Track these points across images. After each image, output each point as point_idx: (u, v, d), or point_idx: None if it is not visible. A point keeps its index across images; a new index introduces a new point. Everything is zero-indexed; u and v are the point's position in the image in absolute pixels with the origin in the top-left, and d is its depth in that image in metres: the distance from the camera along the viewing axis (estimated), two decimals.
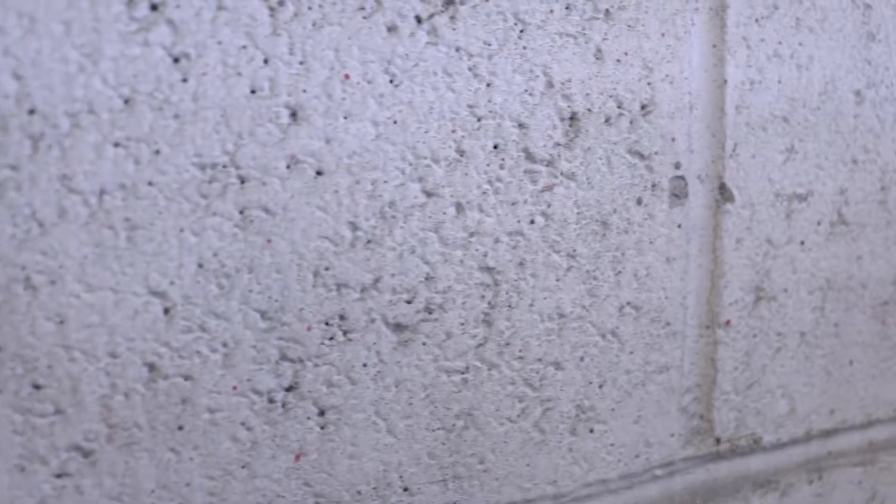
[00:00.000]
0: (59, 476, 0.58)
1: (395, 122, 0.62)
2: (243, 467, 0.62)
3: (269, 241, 0.60)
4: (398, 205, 0.63)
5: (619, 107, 0.68)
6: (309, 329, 0.62)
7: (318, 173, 0.60)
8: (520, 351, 0.68)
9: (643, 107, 0.69)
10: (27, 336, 0.56)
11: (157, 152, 0.57)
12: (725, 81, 0.72)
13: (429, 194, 0.63)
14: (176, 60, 0.57)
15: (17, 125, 0.54)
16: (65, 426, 0.58)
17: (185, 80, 0.57)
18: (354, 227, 0.62)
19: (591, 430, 0.72)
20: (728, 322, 0.75)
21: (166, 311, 0.59)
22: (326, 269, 0.62)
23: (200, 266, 0.59)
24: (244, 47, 0.58)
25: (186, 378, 0.60)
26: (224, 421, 0.61)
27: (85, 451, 0.58)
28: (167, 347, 0.59)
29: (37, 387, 0.57)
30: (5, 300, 0.55)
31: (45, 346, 0.57)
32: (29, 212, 0.55)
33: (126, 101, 0.56)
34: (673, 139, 0.70)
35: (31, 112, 0.54)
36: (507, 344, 0.67)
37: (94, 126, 0.56)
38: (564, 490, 0.72)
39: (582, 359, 0.70)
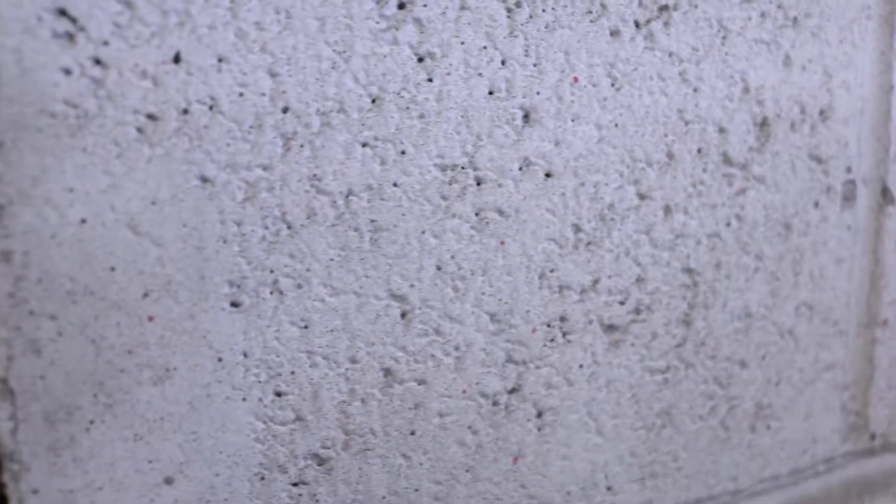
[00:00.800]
0: (295, 484, 0.49)
1: (615, 126, 0.54)
2: (467, 471, 0.54)
3: (502, 242, 0.52)
4: (616, 207, 0.55)
5: (802, 112, 0.61)
6: (534, 331, 0.54)
7: (548, 175, 0.52)
8: (712, 350, 0.60)
9: (821, 112, 0.62)
10: (272, 341, 0.47)
11: (403, 153, 0.49)
12: (892, 87, 0.65)
13: (642, 197, 0.55)
14: (420, 60, 0.48)
15: (271, 124, 0.46)
16: (304, 434, 0.49)
17: (430, 80, 0.49)
18: (577, 228, 0.54)
19: (768, 427, 0.64)
20: (885, 321, 0.68)
21: (403, 314, 0.50)
22: (552, 270, 0.53)
23: (439, 269, 0.50)
24: (484, 48, 0.50)
25: (420, 382, 0.51)
26: (453, 425, 0.53)
27: (321, 458, 0.50)
28: (403, 352, 0.50)
29: (279, 394, 0.48)
30: (252, 304, 0.47)
31: (290, 352, 0.48)
32: (279, 213, 0.46)
33: (374, 101, 0.48)
34: (846, 144, 0.63)
35: (285, 110, 0.46)
36: (703, 343, 0.60)
37: (344, 125, 0.47)
38: (742, 486, 0.64)
39: (763, 357, 0.62)
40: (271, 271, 0.46)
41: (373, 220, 0.48)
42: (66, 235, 0.43)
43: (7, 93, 0.41)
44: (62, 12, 0.41)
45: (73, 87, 0.42)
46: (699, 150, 0.57)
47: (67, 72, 0.42)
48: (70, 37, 0.41)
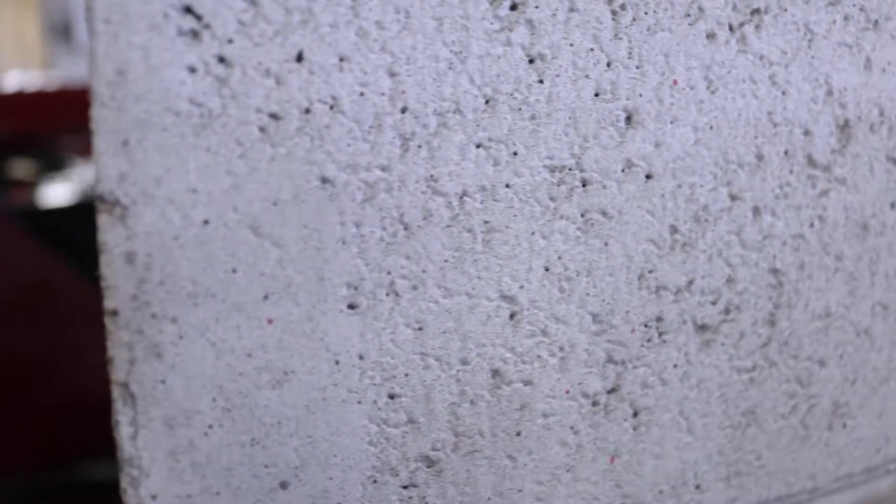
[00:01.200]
0: (405, 487, 0.46)
1: (710, 128, 0.51)
2: (568, 471, 0.50)
3: (605, 244, 0.49)
4: (710, 208, 0.52)
5: (880, 115, 0.58)
6: (633, 331, 0.51)
7: (648, 177, 0.49)
8: (795, 349, 0.57)
9: None
10: (388, 343, 0.44)
11: (515, 154, 0.45)
12: None
13: (733, 198, 0.52)
14: (531, 61, 0.45)
15: (390, 124, 0.42)
16: (415, 436, 0.46)
17: (540, 82, 0.45)
18: (674, 230, 0.51)
19: (844, 426, 0.61)
20: None
21: (512, 315, 0.47)
22: (650, 271, 0.50)
23: (546, 270, 0.47)
24: (591, 50, 0.47)
25: (526, 383, 0.48)
26: (556, 425, 0.49)
27: (432, 460, 0.46)
28: (511, 352, 0.47)
29: (392, 396, 0.45)
30: (369, 306, 0.43)
31: (404, 354, 0.45)
32: (397, 214, 0.43)
33: (487, 101, 0.44)
34: None
35: (404, 110, 0.43)
36: (786, 343, 0.57)
37: (460, 126, 0.44)
38: (819, 484, 0.61)
39: (841, 356, 0.60)
40: (388, 273, 0.43)
41: (486, 222, 0.45)
42: (188, 237, 0.39)
43: (133, 90, 0.38)
44: (188, 9, 0.38)
45: (198, 86, 0.38)
46: (786, 152, 0.54)
47: (192, 70, 0.38)
48: (195, 34, 0.38)
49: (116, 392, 0.39)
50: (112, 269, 0.38)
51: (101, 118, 0.37)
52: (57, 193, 1.53)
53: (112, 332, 0.39)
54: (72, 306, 1.36)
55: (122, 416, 0.40)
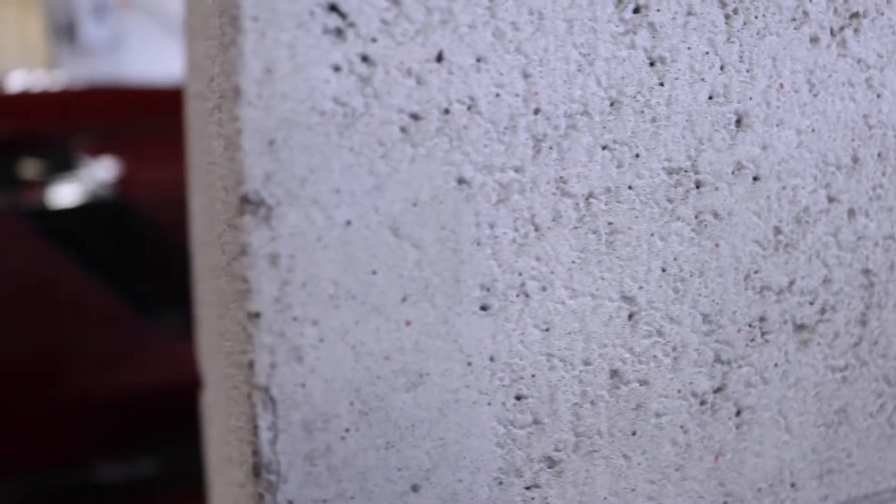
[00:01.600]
0: (528, 488, 0.44)
1: (812, 131, 0.49)
2: (677, 470, 0.48)
3: (716, 245, 0.47)
4: (810, 210, 0.50)
5: None
6: (739, 331, 0.49)
7: (755, 179, 0.48)
8: (884, 349, 0.56)
9: None
10: (517, 345, 0.42)
11: (637, 156, 0.44)
12: None
13: (831, 200, 0.51)
14: (651, 64, 0.43)
15: (523, 125, 0.40)
16: (540, 437, 0.44)
17: (661, 84, 0.44)
18: (778, 231, 0.49)
19: None
20: None
21: (630, 316, 0.45)
22: (756, 272, 0.49)
23: (663, 270, 0.45)
24: (707, 53, 0.45)
25: (642, 383, 0.46)
26: (668, 424, 0.47)
27: (553, 461, 0.44)
28: (630, 353, 0.45)
29: (519, 397, 0.43)
30: (501, 308, 0.41)
31: (532, 355, 0.42)
32: (528, 215, 0.41)
33: (612, 104, 0.43)
34: None
35: (536, 112, 0.41)
36: (876, 342, 0.55)
37: (587, 128, 0.42)
38: None
39: None
40: (519, 274, 0.41)
41: (610, 223, 0.43)
42: (331, 238, 0.37)
43: (280, 89, 0.35)
44: (333, 7, 0.36)
45: (342, 85, 0.36)
46: (879, 155, 0.52)
47: (337, 68, 0.36)
48: (339, 33, 0.36)
49: (256, 396, 0.37)
50: (255, 272, 0.36)
51: (248, 117, 0.35)
52: (66, 194, 1.48)
53: (253, 336, 0.37)
54: (80, 307, 1.31)
55: (262, 421, 0.37)
